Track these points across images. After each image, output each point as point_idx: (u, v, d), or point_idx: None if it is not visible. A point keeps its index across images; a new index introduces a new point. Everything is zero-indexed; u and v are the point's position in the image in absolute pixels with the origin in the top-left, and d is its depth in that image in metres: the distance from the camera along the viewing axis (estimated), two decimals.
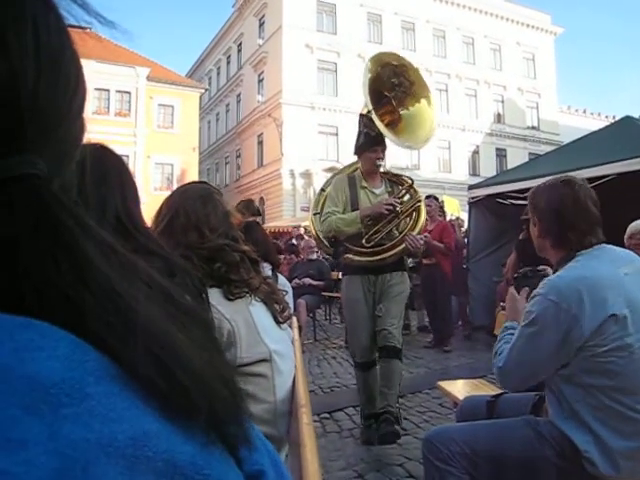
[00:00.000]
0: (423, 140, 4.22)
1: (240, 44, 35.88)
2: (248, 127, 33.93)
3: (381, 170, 4.02)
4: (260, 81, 32.58)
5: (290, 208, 28.26)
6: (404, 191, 4.01)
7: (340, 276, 9.58)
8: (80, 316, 0.34)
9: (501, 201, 8.65)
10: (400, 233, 3.85)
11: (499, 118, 35.98)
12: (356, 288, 3.84)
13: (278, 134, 28.70)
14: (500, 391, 2.60)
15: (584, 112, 44.20)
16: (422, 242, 3.76)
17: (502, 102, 36.00)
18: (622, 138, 7.29)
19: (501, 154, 35.61)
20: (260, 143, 32.52)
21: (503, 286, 7.46)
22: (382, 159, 3.90)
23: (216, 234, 1.69)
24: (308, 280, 8.23)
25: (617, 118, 9.21)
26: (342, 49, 30.08)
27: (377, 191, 3.95)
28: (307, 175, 28.61)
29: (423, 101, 4.20)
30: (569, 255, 1.99)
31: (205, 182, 2.00)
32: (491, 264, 8.13)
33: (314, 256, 8.74)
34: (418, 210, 3.94)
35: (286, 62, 29.03)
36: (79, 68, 0.41)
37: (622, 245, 3.34)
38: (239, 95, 35.96)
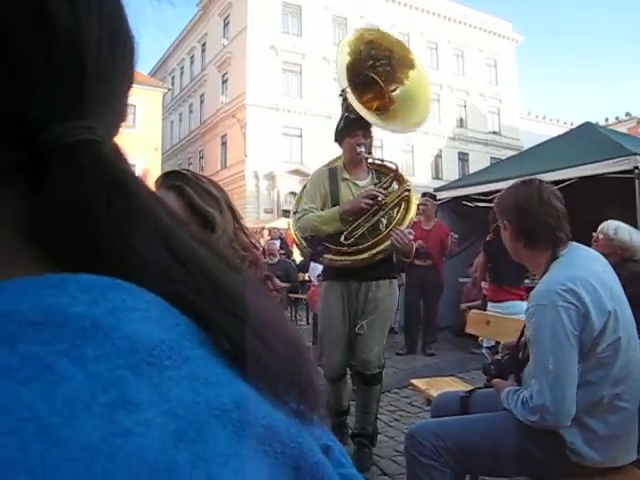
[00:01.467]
0: (416, 122, 3.70)
1: (204, 44, 35.61)
2: (212, 128, 33.69)
3: (368, 159, 3.54)
4: (224, 82, 32.38)
5: (254, 210, 28.14)
6: (390, 180, 3.48)
7: (307, 277, 9.66)
8: (164, 280, 0.34)
9: (466, 203, 8.79)
10: (387, 228, 3.32)
11: (462, 123, 36.50)
12: (335, 298, 3.39)
13: (242, 135, 28.56)
14: (473, 387, 2.65)
15: (544, 118, 45.21)
16: (411, 238, 3.18)
17: (465, 107, 36.55)
18: (582, 143, 7.49)
19: (463, 158, 36.12)
20: (224, 144, 32.32)
21: (469, 287, 7.58)
22: (365, 145, 3.38)
23: None
24: (276, 282, 8.18)
25: (575, 125, 9.46)
26: (307, 51, 30.10)
27: (361, 183, 3.45)
28: (271, 177, 28.54)
29: (414, 78, 3.66)
30: (552, 256, 2.04)
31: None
32: (457, 265, 8.24)
33: (275, 260, 8.65)
34: (407, 200, 3.40)
35: (251, 63, 28.90)
36: (132, 40, 0.39)
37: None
38: (203, 95, 35.67)
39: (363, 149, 3.36)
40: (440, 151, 35.15)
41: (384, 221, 3.39)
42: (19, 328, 0.27)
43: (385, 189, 3.39)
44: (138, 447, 0.25)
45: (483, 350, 5.63)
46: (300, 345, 0.41)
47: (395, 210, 3.38)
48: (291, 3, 30.33)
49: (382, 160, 3.71)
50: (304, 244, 3.58)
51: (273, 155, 28.43)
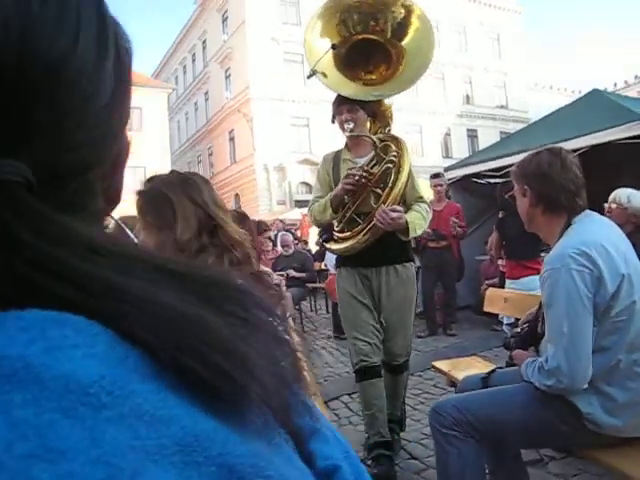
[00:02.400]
0: (411, 79, 3.36)
1: (204, 41, 35.58)
2: (218, 124, 33.71)
3: (358, 134, 3.21)
4: (227, 77, 32.36)
5: (266, 203, 28.18)
6: (378, 154, 3.15)
7: (323, 266, 9.70)
8: (109, 314, 0.32)
9: (477, 181, 8.73)
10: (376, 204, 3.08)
11: (468, 99, 36.16)
12: (348, 284, 3.22)
13: (249, 129, 28.56)
14: (493, 366, 2.66)
15: (551, 88, 44.61)
16: (396, 216, 2.90)
17: (470, 83, 36.18)
18: (591, 111, 7.38)
19: (472, 134, 35.82)
20: (231, 139, 32.36)
21: (487, 264, 7.55)
22: (354, 121, 3.13)
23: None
24: (291, 272, 8.23)
25: (582, 93, 9.33)
26: None
27: (360, 161, 3.18)
28: (281, 169, 28.54)
29: (418, 21, 3.33)
30: (566, 223, 2.06)
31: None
32: (473, 243, 8.18)
33: (290, 251, 8.69)
34: (397, 172, 3.05)
35: (252, 56, 28.84)
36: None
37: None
38: (207, 93, 35.68)
39: (351, 125, 3.13)
40: (449, 129, 34.88)
41: (372, 201, 3.11)
42: None
43: (374, 165, 3.11)
44: None
45: (504, 327, 5.61)
46: (274, 359, 0.39)
47: (382, 187, 3.07)
48: None
49: (358, 136, 3.24)
50: (317, 234, 3.58)
51: (281, 146, 28.40)
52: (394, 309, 3.14)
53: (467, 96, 36.27)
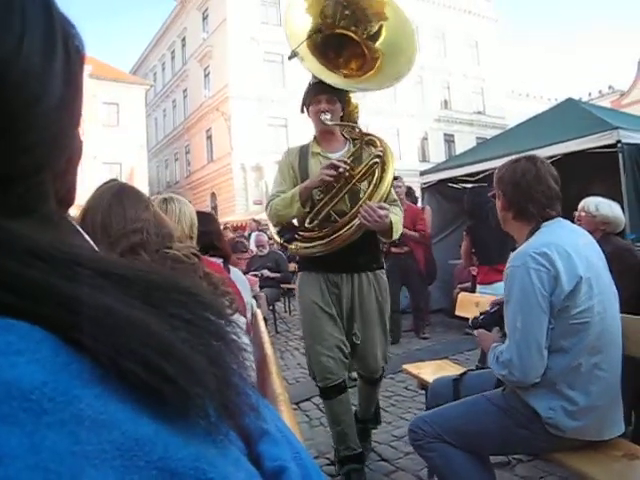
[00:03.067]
0: (395, 76, 3.10)
1: (184, 38, 35.33)
2: (196, 122, 33.51)
3: (341, 128, 3.06)
4: (206, 75, 32.18)
5: (242, 202, 28.08)
6: (358, 148, 2.94)
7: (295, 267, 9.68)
8: (52, 318, 0.32)
9: (453, 185, 8.80)
10: (355, 204, 2.79)
11: (446, 104, 36.45)
12: (312, 290, 2.92)
13: (227, 128, 28.45)
14: (463, 370, 2.69)
15: (527, 95, 45.18)
16: (383, 213, 2.65)
17: (448, 88, 36.47)
18: (565, 120, 7.50)
19: (449, 139, 36.14)
20: (209, 138, 32.19)
21: (460, 268, 7.61)
22: (332, 112, 2.90)
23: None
24: (266, 272, 8.22)
25: (558, 100, 9.48)
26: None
27: (334, 155, 2.91)
28: (258, 169, 28.44)
29: (393, 26, 3.12)
30: (535, 227, 2.11)
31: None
32: (447, 247, 8.27)
33: (265, 251, 8.69)
34: (382, 169, 2.80)
35: (232, 55, 28.72)
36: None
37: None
38: (185, 90, 35.44)
39: (328, 116, 2.87)
40: (426, 133, 35.15)
41: (353, 197, 2.88)
42: None
43: (354, 160, 2.87)
44: None
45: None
46: (218, 360, 0.38)
47: (365, 183, 2.83)
48: None
49: (341, 125, 3.07)
50: (275, 236, 3.12)
51: (259, 146, 28.32)
52: (369, 320, 2.92)
53: (445, 101, 36.56)
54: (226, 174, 29.33)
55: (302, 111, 3.11)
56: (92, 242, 0.53)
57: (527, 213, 2.13)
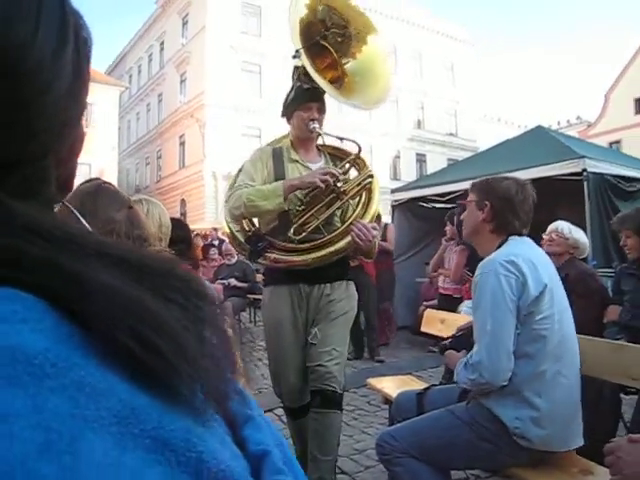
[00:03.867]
0: (375, 100, 3.05)
1: (162, 42, 35.15)
2: (170, 127, 33.28)
3: (319, 141, 2.97)
4: (183, 81, 32.03)
5: (212, 210, 27.90)
6: (347, 164, 2.89)
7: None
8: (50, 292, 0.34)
9: (423, 204, 8.91)
10: (343, 222, 2.73)
11: (419, 124, 36.94)
12: (282, 304, 2.74)
13: (200, 135, 28.31)
14: (427, 385, 2.73)
15: (499, 120, 46.09)
16: (375, 233, 2.61)
17: (422, 109, 36.98)
18: (534, 146, 7.68)
19: (421, 159, 36.56)
20: (182, 144, 31.98)
21: (426, 286, 7.70)
22: (318, 122, 2.79)
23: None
24: (233, 281, 8.16)
25: (528, 127, 9.72)
26: (267, 51, 30.00)
27: (314, 165, 2.84)
28: (230, 177, 27.96)
29: (372, 49, 3.01)
30: (504, 240, 2.22)
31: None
32: (414, 265, 8.34)
33: (233, 260, 8.61)
34: (369, 189, 2.81)
35: (210, 62, 28.67)
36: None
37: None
38: (161, 95, 35.20)
39: (317, 125, 2.77)
40: (399, 152, 35.50)
41: (338, 213, 2.80)
42: None
43: (344, 174, 2.81)
44: None
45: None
46: (221, 358, 0.40)
47: (355, 201, 2.81)
48: (251, 3, 30.19)
49: (342, 139, 2.98)
50: (240, 239, 2.87)
51: (232, 155, 28.13)
52: (334, 322, 2.73)
53: (419, 121, 37.04)
54: (197, 181, 29.15)
55: (283, 115, 2.93)
56: (88, 226, 0.54)
57: (509, 228, 2.24)
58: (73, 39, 0.43)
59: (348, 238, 2.60)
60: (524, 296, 2.02)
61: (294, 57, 2.82)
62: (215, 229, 15.14)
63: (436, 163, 30.97)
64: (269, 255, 2.68)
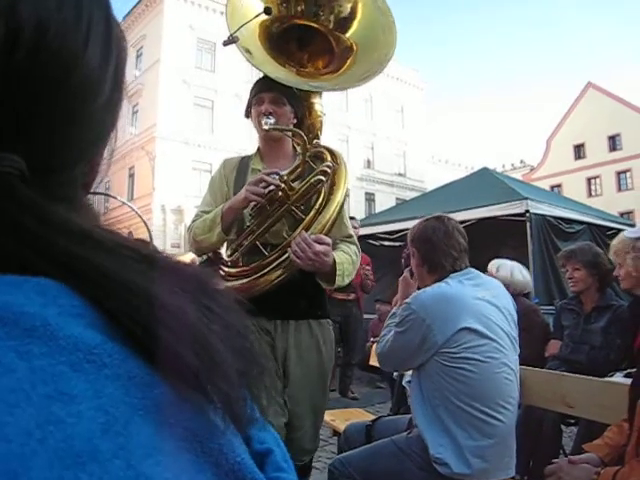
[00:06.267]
0: (362, 76, 2.53)
1: None
2: (119, 159, 32.83)
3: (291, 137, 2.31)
4: (134, 113, 31.85)
5: (160, 244, 27.49)
6: (306, 163, 2.20)
7: None
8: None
9: (372, 242, 9.04)
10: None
11: (369, 164, 37.66)
12: None
13: (150, 168, 28.09)
14: (376, 417, 2.77)
15: (446, 162, 47.41)
16: (321, 249, 1.96)
17: (372, 149, 37.77)
18: (480, 187, 7.96)
19: (370, 198, 37.16)
20: (131, 176, 31.62)
21: (375, 322, 7.75)
22: (279, 116, 2.20)
23: None
24: None
25: (474, 168, 10.08)
26: (220, 87, 30.22)
27: (281, 173, 2.14)
28: (179, 211, 28.11)
29: (367, 14, 2.47)
30: (442, 277, 2.24)
31: None
32: (362, 302, 8.40)
33: None
34: (329, 189, 2.18)
35: (162, 96, 28.67)
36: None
37: None
38: None
39: (272, 120, 2.17)
40: (348, 191, 35.58)
41: (285, 227, 2.20)
42: None
43: (296, 178, 2.19)
44: (67, 434, 0.29)
45: (404, 383, 5.71)
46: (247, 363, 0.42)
47: (307, 206, 2.16)
48: (206, 39, 30.45)
49: (287, 131, 2.27)
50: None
51: (182, 189, 28.06)
52: (305, 384, 2.15)
53: (368, 161, 37.77)
54: (146, 214, 28.73)
55: (247, 116, 2.42)
56: None
57: (440, 267, 2.27)
58: (115, 53, 0.45)
59: (285, 256, 2.04)
60: (429, 337, 2.06)
61: (225, 44, 2.29)
62: None
63: (385, 202, 31.54)
64: None
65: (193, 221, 2.31)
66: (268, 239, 2.15)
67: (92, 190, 0.52)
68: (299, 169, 2.21)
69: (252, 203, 2.13)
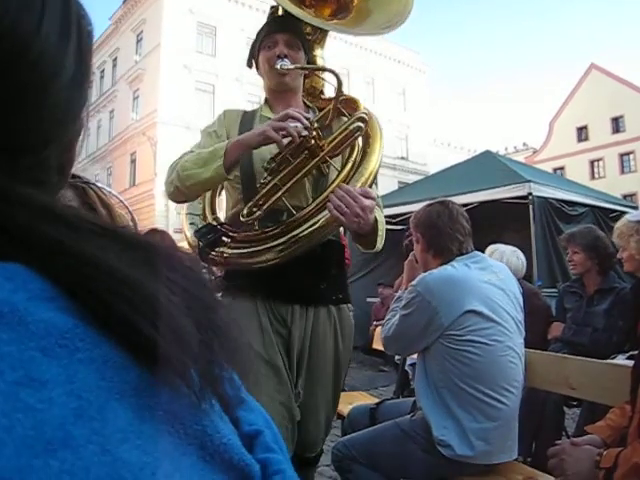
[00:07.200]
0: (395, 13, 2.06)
1: (115, 59, 34.77)
2: (121, 145, 32.84)
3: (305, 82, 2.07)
4: (135, 98, 31.72)
5: (162, 229, 27.54)
6: (329, 112, 1.92)
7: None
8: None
9: None
10: (321, 194, 1.74)
11: None
12: (246, 321, 1.76)
13: (152, 153, 28.03)
14: (380, 400, 2.79)
15: (449, 145, 47.18)
16: (368, 204, 1.65)
17: None
18: (483, 170, 7.93)
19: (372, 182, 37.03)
20: (133, 162, 31.57)
21: (378, 306, 7.79)
22: (294, 60, 1.88)
23: None
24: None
25: (477, 151, 10.02)
26: (221, 71, 30.06)
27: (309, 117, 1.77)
28: None
29: None
30: (448, 260, 2.25)
31: None
32: (364, 286, 8.41)
33: None
34: (364, 143, 1.90)
35: (163, 81, 28.52)
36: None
37: None
38: (112, 111, 34.72)
39: (287, 62, 1.86)
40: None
41: (309, 182, 1.86)
42: None
43: (322, 127, 1.82)
44: (37, 421, 0.28)
45: (407, 367, 5.76)
46: (216, 343, 0.40)
47: (341, 158, 1.86)
48: (206, 23, 30.26)
49: (315, 69, 2.11)
50: (190, 239, 2.10)
51: None
52: (318, 377, 1.89)
53: None
54: (148, 200, 28.78)
55: (249, 65, 2.10)
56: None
57: (446, 250, 2.27)
58: (76, 30, 0.44)
59: (324, 213, 1.68)
60: (435, 320, 2.09)
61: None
62: None
63: (387, 186, 31.40)
64: (219, 250, 1.77)
65: (179, 158, 1.88)
66: (288, 201, 1.75)
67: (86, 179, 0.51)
68: (329, 116, 1.89)
69: (268, 154, 1.76)
